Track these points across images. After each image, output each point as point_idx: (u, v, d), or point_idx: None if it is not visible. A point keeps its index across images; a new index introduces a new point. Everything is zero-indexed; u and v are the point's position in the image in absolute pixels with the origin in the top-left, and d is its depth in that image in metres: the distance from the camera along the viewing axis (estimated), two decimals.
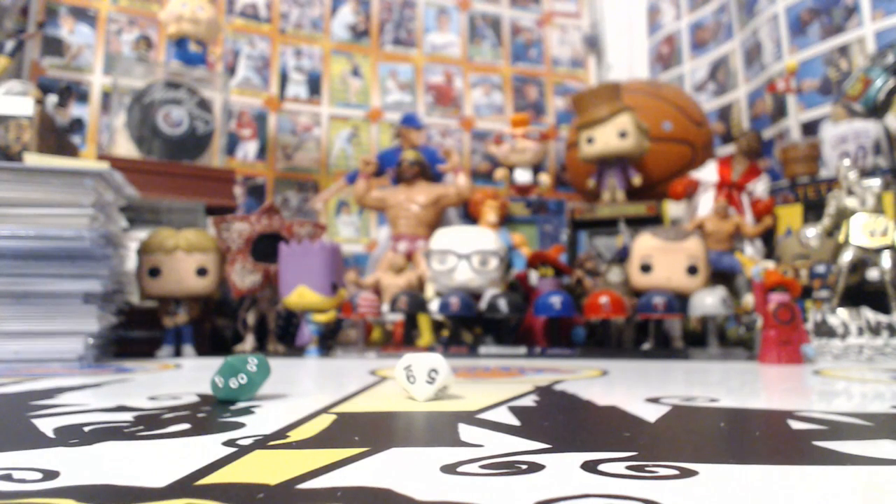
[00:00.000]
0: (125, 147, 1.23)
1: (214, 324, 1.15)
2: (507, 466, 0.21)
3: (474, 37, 2.00)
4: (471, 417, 0.33)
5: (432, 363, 0.41)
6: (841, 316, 0.90)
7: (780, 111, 1.59)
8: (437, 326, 1.13)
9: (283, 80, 1.78)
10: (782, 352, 0.81)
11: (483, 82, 1.97)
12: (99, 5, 1.63)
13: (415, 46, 1.93)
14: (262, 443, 0.25)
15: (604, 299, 0.98)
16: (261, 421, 0.29)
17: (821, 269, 1.06)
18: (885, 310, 0.92)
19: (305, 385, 0.53)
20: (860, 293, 0.98)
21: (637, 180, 1.38)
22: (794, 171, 1.36)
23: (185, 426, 0.28)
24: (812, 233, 1.06)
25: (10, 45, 1.10)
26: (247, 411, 0.34)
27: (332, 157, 1.78)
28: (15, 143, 0.89)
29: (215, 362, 0.82)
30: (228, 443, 0.25)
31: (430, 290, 1.11)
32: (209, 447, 0.24)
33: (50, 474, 0.19)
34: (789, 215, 1.32)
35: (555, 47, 2.07)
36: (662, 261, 0.98)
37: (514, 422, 0.32)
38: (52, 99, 1.07)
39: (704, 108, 1.72)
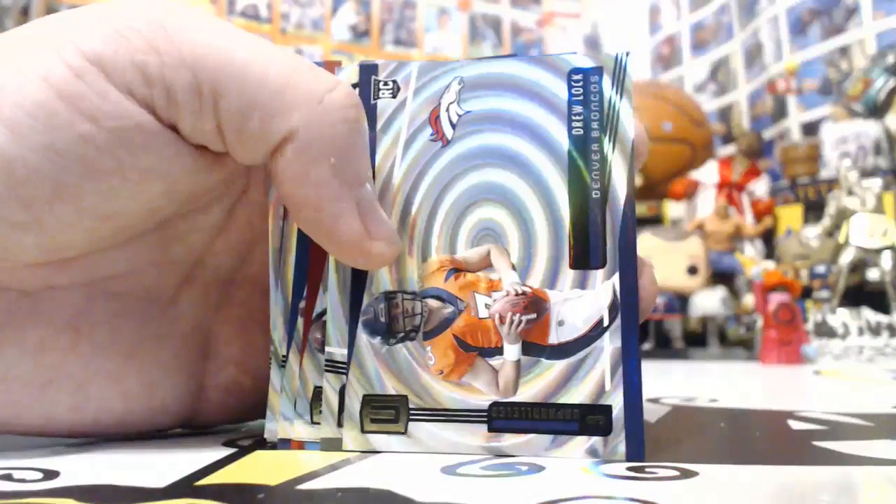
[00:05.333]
0: None
1: None
2: (508, 468, 0.21)
3: (475, 37, 2.00)
4: None
5: None
6: (841, 316, 0.90)
7: (780, 112, 1.59)
8: None
9: None
10: (782, 352, 0.81)
11: None
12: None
13: (415, 46, 1.93)
14: (262, 443, 0.25)
15: None
16: (261, 421, 0.29)
17: (821, 269, 1.05)
18: (885, 310, 0.92)
19: None
20: (860, 293, 0.98)
21: (637, 181, 1.37)
22: (795, 171, 1.36)
23: None
24: (812, 233, 1.06)
25: None
26: None
27: None
28: None
29: None
30: (228, 443, 0.25)
31: None
32: (209, 447, 0.24)
33: (50, 474, 0.19)
34: (789, 215, 1.32)
35: (555, 47, 2.07)
36: (662, 261, 0.98)
37: None
38: None
39: (704, 109, 1.72)
